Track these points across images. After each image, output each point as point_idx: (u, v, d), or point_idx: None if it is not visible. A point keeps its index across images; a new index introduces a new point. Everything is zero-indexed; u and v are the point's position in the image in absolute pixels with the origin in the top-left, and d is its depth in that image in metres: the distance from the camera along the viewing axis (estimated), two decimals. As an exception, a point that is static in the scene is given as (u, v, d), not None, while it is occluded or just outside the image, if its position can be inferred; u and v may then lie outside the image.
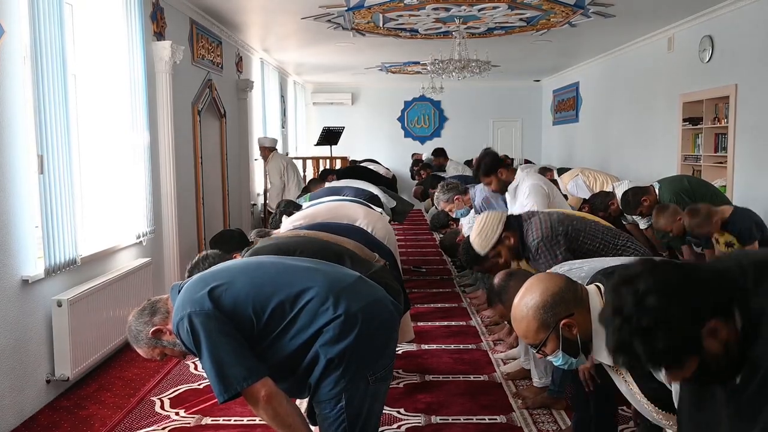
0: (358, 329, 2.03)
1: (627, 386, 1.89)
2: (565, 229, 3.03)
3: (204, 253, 3.13)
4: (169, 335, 2.11)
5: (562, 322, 1.80)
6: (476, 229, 3.20)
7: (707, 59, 6.58)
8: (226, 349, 1.95)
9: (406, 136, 14.16)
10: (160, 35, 5.45)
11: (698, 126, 6.79)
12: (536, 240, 3.04)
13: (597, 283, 1.88)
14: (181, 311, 2.01)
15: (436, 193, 5.32)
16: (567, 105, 11.99)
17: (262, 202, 9.25)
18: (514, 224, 3.18)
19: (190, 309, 1.99)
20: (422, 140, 13.71)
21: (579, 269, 2.41)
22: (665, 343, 1.23)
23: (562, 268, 2.44)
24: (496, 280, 2.75)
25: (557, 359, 1.86)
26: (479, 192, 4.99)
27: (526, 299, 1.86)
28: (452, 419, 3.46)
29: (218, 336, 1.95)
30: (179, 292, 2.11)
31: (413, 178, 9.92)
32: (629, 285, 1.29)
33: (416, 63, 10.32)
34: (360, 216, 4.22)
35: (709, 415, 1.37)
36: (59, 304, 3.72)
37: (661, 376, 1.58)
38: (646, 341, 1.24)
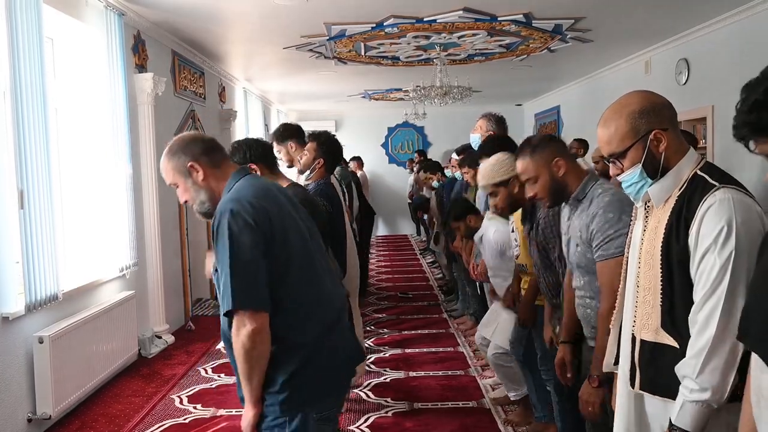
0: (318, 358, 1.94)
1: None
2: None
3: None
4: (198, 176, 2.00)
5: (654, 132, 1.68)
6: (494, 159, 3.02)
7: (684, 81, 6.70)
8: (247, 268, 1.82)
9: (390, 161, 14.22)
10: (141, 67, 5.46)
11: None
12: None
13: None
14: (233, 204, 1.88)
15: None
16: (549, 128, 12.11)
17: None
18: None
19: (238, 207, 1.87)
20: (406, 166, 13.77)
21: None
22: None
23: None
24: (537, 135, 2.62)
25: (632, 176, 1.73)
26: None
27: (622, 102, 1.76)
28: (442, 447, 3.42)
29: (246, 249, 1.83)
30: (241, 178, 2.00)
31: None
32: None
33: (398, 90, 10.40)
34: None
35: None
36: (41, 341, 3.66)
37: None
38: None
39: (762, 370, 1.35)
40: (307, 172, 3.70)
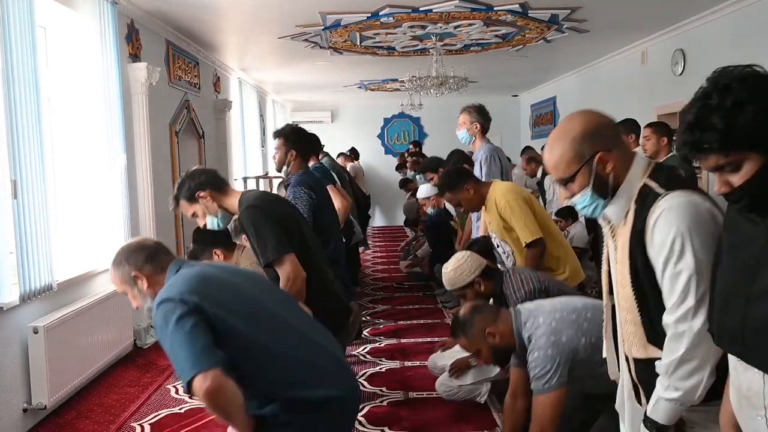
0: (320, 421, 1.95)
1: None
2: (542, 285, 3.14)
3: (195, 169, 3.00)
4: (142, 284, 2.07)
5: (598, 156, 1.68)
6: (453, 263, 3.25)
7: (680, 72, 6.69)
8: (184, 341, 1.82)
9: (386, 152, 14.17)
10: (135, 57, 5.42)
11: (672, 138, 6.88)
12: (517, 295, 3.14)
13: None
14: (160, 297, 1.92)
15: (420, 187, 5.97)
16: (545, 119, 12.10)
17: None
18: (491, 274, 3.26)
19: (165, 296, 1.91)
20: (397, 164, 13.75)
21: (542, 307, 2.67)
22: (750, 116, 1.23)
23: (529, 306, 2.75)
24: (461, 311, 2.82)
25: (584, 199, 1.73)
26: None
27: (565, 126, 1.77)
28: (437, 437, 3.44)
29: (180, 327, 1.83)
30: (177, 270, 2.06)
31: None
32: (714, 82, 1.32)
33: (394, 80, 10.36)
34: None
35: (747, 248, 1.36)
36: (35, 331, 3.66)
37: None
38: (729, 115, 1.25)
39: (740, 370, 1.37)
40: (284, 167, 3.69)
